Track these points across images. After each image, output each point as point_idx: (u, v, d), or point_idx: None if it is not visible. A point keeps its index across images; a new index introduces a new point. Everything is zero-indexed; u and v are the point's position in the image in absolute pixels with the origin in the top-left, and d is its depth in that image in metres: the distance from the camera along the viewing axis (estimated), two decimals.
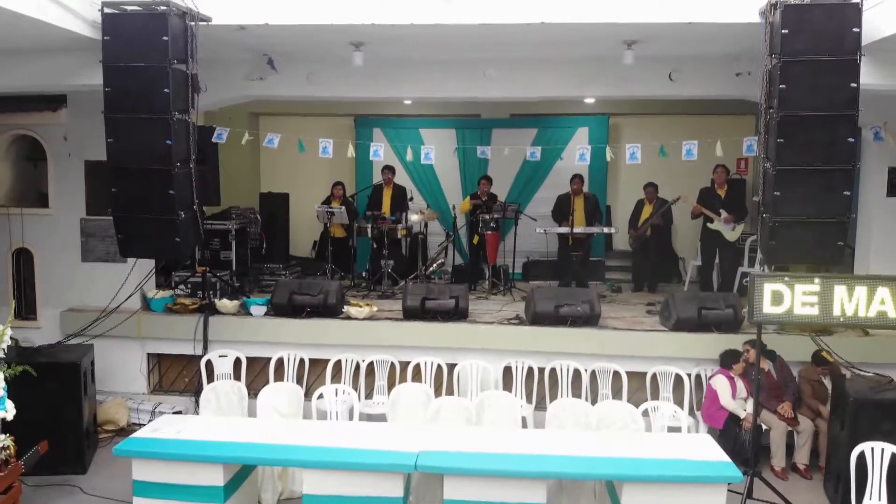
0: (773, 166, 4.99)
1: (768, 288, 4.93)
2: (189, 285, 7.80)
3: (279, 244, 9.56)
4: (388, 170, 9.37)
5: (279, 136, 7.02)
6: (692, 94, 7.14)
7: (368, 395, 6.83)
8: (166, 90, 5.14)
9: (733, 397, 6.12)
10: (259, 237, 8.96)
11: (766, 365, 6.22)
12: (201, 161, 7.31)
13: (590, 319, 6.77)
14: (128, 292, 7.09)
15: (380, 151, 7.11)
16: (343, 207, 9.03)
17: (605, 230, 8.68)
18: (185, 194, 5.38)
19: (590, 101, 9.30)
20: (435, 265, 9.86)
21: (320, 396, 5.85)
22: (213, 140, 7.13)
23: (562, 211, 8.85)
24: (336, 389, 5.91)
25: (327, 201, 9.44)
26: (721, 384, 6.17)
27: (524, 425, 5.98)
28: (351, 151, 7.36)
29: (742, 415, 6.02)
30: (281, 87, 7.29)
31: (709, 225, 8.44)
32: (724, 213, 8.34)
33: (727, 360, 6.32)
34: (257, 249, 8.93)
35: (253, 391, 6.78)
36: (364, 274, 9.50)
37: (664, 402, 6.06)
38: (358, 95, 7.47)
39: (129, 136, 5.27)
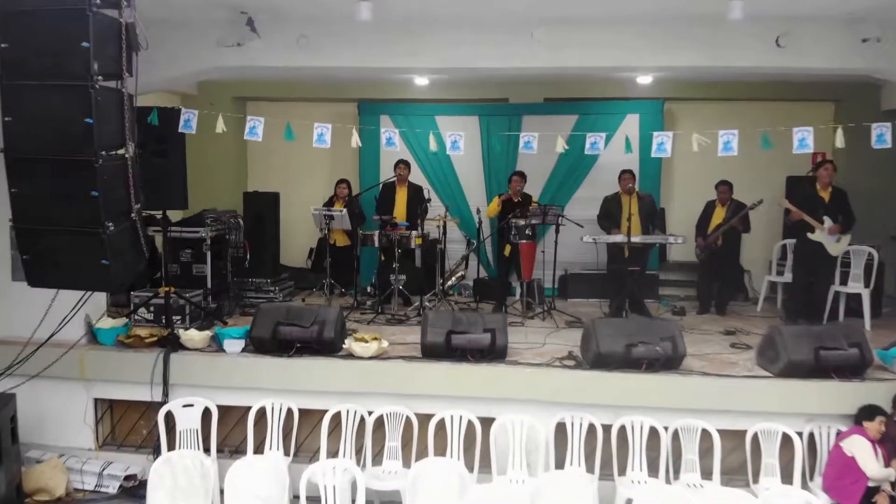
0: None
1: None
2: (152, 309, 6.21)
3: (268, 254, 8.00)
4: (403, 164, 7.79)
5: (262, 124, 5.50)
6: (805, 66, 5.55)
7: (376, 459, 5.23)
8: (85, 44, 3.51)
9: None
10: (242, 246, 7.41)
11: None
12: (163, 153, 5.86)
13: (670, 362, 5.16)
14: (71, 318, 5.46)
15: (394, 139, 5.49)
16: (344, 210, 7.44)
17: (671, 240, 6.97)
18: (115, 196, 3.72)
19: (645, 80, 7.69)
20: (454, 279, 8.36)
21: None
22: (181, 130, 5.56)
23: (611, 216, 7.24)
24: (333, 466, 4.26)
25: (330, 202, 7.90)
26: (863, 448, 4.72)
27: None
28: (355, 141, 5.81)
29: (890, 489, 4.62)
30: (264, 56, 5.83)
31: (810, 235, 6.74)
32: (828, 222, 6.67)
33: (865, 417, 4.80)
34: (240, 261, 7.41)
35: (228, 448, 5.49)
36: (369, 289, 7.92)
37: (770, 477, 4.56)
38: (363, 65, 5.91)
39: (35, 111, 3.64)
